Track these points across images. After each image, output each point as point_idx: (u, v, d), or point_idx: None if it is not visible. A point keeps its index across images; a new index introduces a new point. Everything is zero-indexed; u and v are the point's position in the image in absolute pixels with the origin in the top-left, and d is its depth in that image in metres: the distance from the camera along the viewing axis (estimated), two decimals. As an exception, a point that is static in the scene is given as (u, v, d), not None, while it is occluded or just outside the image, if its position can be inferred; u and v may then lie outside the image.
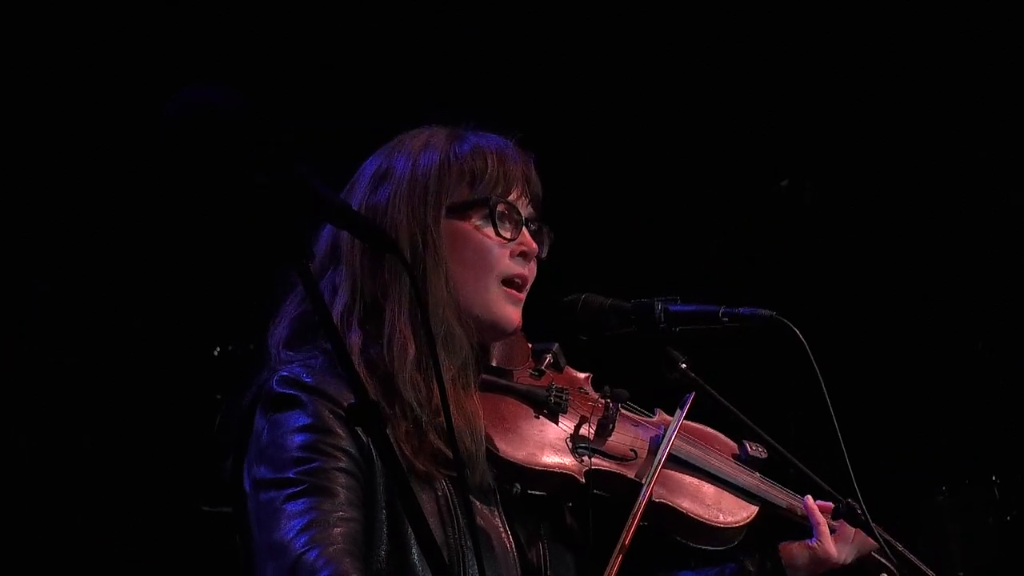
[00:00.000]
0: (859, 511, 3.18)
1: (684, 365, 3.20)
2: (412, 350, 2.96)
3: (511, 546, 3.04)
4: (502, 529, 3.04)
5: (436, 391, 2.89)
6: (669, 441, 3.19)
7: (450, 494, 2.95)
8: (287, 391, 2.92)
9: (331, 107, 5.64)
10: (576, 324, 3.25)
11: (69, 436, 5.43)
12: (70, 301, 5.44)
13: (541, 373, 3.24)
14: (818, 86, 6.28)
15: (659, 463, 3.15)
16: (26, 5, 5.25)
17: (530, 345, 3.27)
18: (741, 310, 3.20)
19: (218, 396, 4.76)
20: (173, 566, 5.46)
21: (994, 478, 5.74)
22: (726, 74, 6.25)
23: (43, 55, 5.30)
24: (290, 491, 2.81)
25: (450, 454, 2.91)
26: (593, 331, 3.24)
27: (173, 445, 5.28)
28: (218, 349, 4.43)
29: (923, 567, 3.23)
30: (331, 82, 5.72)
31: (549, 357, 3.26)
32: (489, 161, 3.09)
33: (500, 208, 3.09)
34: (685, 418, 3.26)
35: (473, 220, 3.08)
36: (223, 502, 3.01)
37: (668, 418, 3.29)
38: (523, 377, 3.21)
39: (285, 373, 2.94)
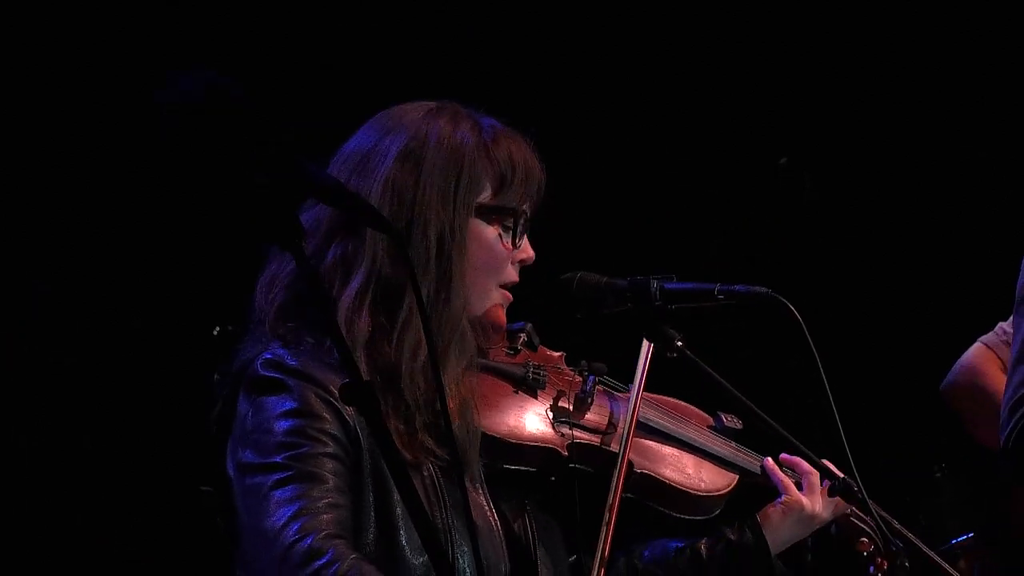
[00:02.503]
0: (855, 488, 3.18)
1: (680, 343, 3.20)
2: (425, 349, 2.91)
3: (496, 523, 3.03)
4: (486, 506, 3.03)
5: (435, 391, 2.86)
6: (639, 385, 3.21)
7: (436, 476, 2.93)
8: (271, 374, 2.88)
9: (331, 107, 5.63)
10: (571, 303, 3.24)
11: (69, 436, 5.42)
12: (70, 301, 5.43)
13: (516, 351, 3.24)
14: (819, 83, 6.28)
15: (633, 410, 3.18)
16: (25, 4, 5.26)
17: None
18: (737, 287, 3.21)
19: (216, 377, 4.74)
20: (175, 565, 5.44)
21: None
22: (726, 72, 6.25)
23: (41, 54, 5.30)
24: (277, 477, 2.79)
25: (440, 452, 2.91)
26: (589, 309, 3.24)
27: (174, 436, 5.26)
28: (217, 328, 4.41)
29: (920, 544, 3.23)
30: (331, 82, 5.72)
31: (523, 336, 3.25)
32: (518, 167, 3.05)
33: (522, 221, 3.08)
34: (658, 392, 3.30)
35: (496, 227, 3.06)
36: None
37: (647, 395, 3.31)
38: (499, 356, 3.21)
39: (269, 356, 2.90)
